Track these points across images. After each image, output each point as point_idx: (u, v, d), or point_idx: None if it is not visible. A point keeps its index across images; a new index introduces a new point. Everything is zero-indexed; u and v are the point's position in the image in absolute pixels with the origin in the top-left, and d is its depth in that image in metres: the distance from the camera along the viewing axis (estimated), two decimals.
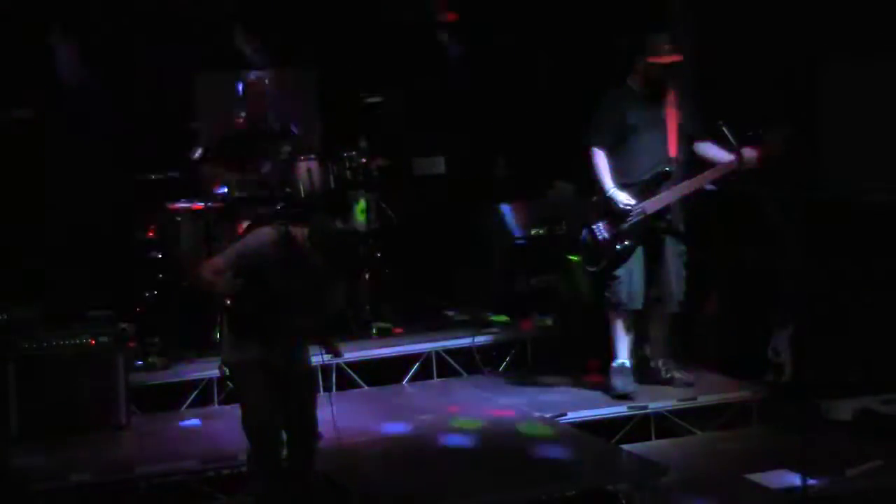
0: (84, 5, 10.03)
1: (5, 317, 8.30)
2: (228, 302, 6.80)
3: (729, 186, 9.40)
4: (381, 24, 10.80)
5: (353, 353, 9.09)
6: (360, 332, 9.52)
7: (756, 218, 9.20)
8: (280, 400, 6.83)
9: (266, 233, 6.83)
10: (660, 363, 8.83)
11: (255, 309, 6.74)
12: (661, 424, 8.58)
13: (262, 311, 6.75)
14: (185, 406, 8.73)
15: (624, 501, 7.26)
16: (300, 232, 6.74)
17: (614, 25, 10.68)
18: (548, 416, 8.42)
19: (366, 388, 9.14)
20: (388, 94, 10.63)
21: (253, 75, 9.97)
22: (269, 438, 6.82)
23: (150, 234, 9.57)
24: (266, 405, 6.80)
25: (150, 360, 8.86)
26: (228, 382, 8.16)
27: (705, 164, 8.58)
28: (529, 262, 10.03)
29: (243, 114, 9.81)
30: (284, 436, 6.93)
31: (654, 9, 10.55)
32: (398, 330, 9.38)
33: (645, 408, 8.56)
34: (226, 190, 9.48)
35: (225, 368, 7.02)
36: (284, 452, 6.93)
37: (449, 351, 9.39)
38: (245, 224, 8.96)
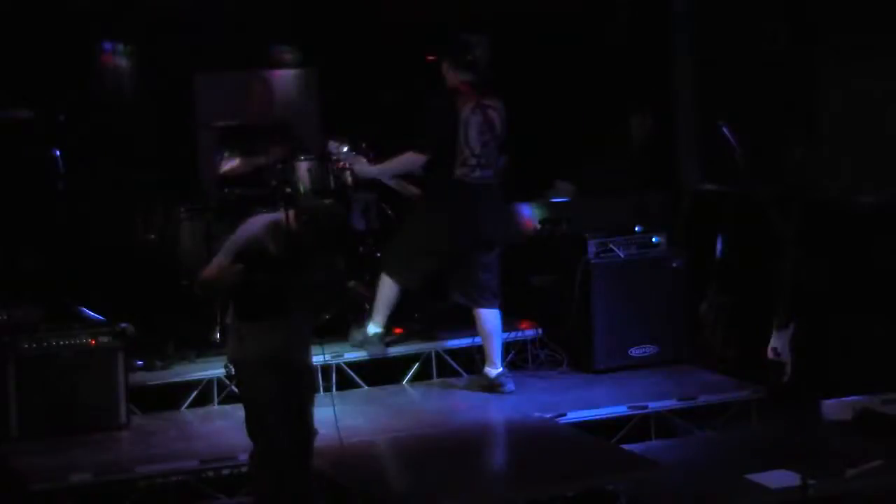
0: (83, 5, 10.03)
1: (5, 317, 8.29)
2: (236, 294, 6.81)
3: (730, 187, 9.42)
4: (381, 24, 10.81)
5: (353, 353, 9.10)
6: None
7: (756, 218, 9.21)
8: (283, 398, 6.83)
9: (259, 220, 6.84)
10: None
11: (262, 292, 6.72)
12: (661, 424, 8.59)
13: (268, 297, 6.74)
14: (185, 406, 8.73)
15: (624, 501, 7.26)
16: (290, 214, 6.76)
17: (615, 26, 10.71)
18: (548, 416, 8.42)
19: (366, 388, 9.14)
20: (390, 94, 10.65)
21: (254, 76, 9.97)
22: (273, 437, 6.82)
23: (151, 234, 9.57)
24: (272, 403, 6.80)
25: (150, 360, 8.85)
26: (232, 381, 8.17)
27: None
28: (530, 262, 10.03)
29: (244, 114, 9.84)
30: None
31: (655, 10, 10.58)
32: (398, 330, 9.38)
33: (645, 408, 8.57)
34: (226, 189, 9.50)
35: (230, 366, 7.02)
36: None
37: (449, 351, 9.40)
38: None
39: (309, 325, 6.99)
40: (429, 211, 8.93)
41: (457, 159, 8.71)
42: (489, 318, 8.86)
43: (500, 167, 8.99)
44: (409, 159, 8.79)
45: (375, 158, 9.12)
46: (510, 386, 8.85)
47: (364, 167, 9.00)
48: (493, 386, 8.88)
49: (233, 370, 6.98)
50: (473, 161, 8.73)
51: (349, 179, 9.48)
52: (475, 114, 8.72)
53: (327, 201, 7.06)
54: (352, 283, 7.09)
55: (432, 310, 9.61)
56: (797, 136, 9.47)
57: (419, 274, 8.95)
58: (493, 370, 8.90)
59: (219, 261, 6.78)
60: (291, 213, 6.76)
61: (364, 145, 9.64)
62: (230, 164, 9.59)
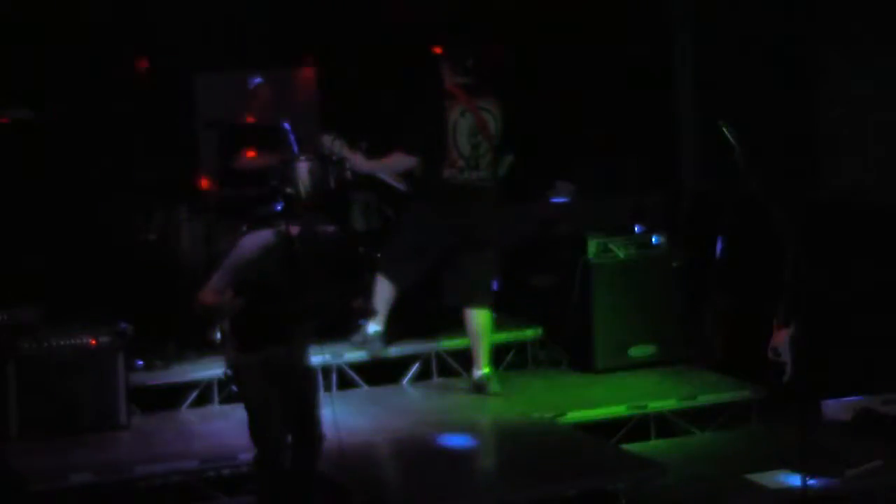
0: (84, 5, 10.04)
1: (5, 317, 8.29)
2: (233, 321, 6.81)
3: (730, 187, 9.42)
4: (381, 24, 10.81)
5: (353, 353, 9.10)
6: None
7: (756, 218, 9.20)
8: (285, 401, 6.82)
9: (261, 238, 6.81)
10: None
11: (259, 318, 6.72)
12: (661, 424, 8.59)
13: (266, 317, 6.74)
14: (185, 406, 8.73)
15: (624, 501, 7.26)
16: (295, 232, 6.74)
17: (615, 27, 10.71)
18: (548, 416, 8.42)
19: (366, 388, 9.14)
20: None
21: (254, 77, 9.98)
22: (275, 442, 6.81)
23: (151, 235, 9.57)
24: (272, 408, 6.79)
25: (150, 360, 8.84)
26: (232, 386, 8.15)
27: None
28: (529, 262, 10.03)
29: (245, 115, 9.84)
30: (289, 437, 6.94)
31: (655, 10, 10.58)
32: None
33: (645, 408, 8.57)
34: (226, 190, 9.50)
35: (229, 371, 7.02)
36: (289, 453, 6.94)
37: (449, 351, 9.39)
38: (244, 225, 8.97)
39: (307, 332, 6.98)
40: (417, 210, 9.00)
41: (446, 161, 8.77)
42: (476, 318, 8.87)
43: (503, 167, 9.00)
44: (399, 159, 8.92)
45: (369, 154, 9.15)
46: (494, 387, 8.85)
47: (357, 162, 9.10)
48: (478, 387, 8.89)
49: (231, 374, 6.97)
50: (462, 163, 8.79)
51: (349, 175, 9.50)
52: (464, 117, 8.79)
53: (329, 228, 7.05)
54: (355, 303, 7.07)
55: (432, 310, 9.61)
56: (796, 135, 9.48)
57: (410, 273, 8.98)
58: (478, 371, 8.91)
59: (215, 285, 6.75)
60: (293, 230, 6.73)
61: (364, 145, 9.66)
62: (243, 158, 9.61)
